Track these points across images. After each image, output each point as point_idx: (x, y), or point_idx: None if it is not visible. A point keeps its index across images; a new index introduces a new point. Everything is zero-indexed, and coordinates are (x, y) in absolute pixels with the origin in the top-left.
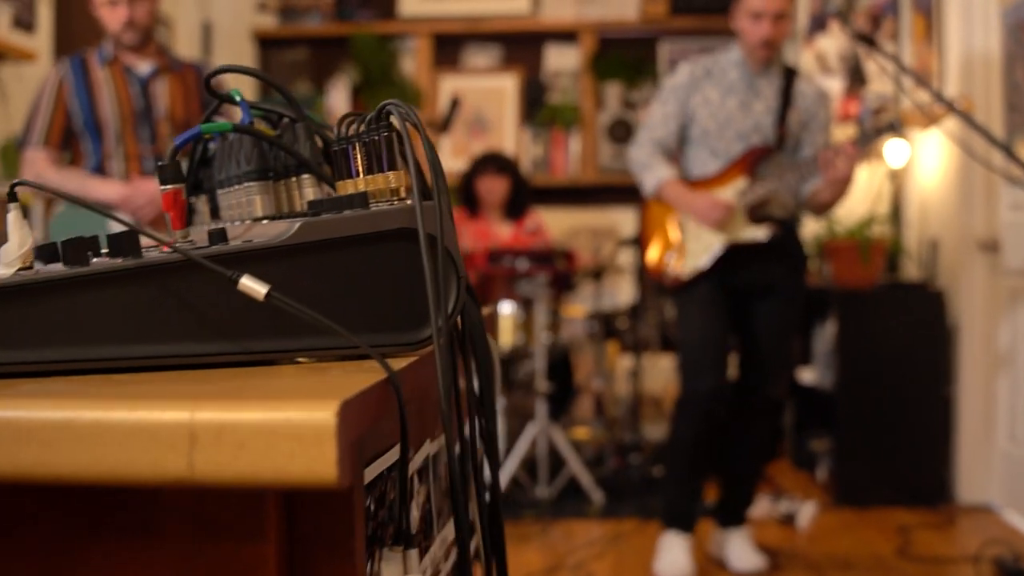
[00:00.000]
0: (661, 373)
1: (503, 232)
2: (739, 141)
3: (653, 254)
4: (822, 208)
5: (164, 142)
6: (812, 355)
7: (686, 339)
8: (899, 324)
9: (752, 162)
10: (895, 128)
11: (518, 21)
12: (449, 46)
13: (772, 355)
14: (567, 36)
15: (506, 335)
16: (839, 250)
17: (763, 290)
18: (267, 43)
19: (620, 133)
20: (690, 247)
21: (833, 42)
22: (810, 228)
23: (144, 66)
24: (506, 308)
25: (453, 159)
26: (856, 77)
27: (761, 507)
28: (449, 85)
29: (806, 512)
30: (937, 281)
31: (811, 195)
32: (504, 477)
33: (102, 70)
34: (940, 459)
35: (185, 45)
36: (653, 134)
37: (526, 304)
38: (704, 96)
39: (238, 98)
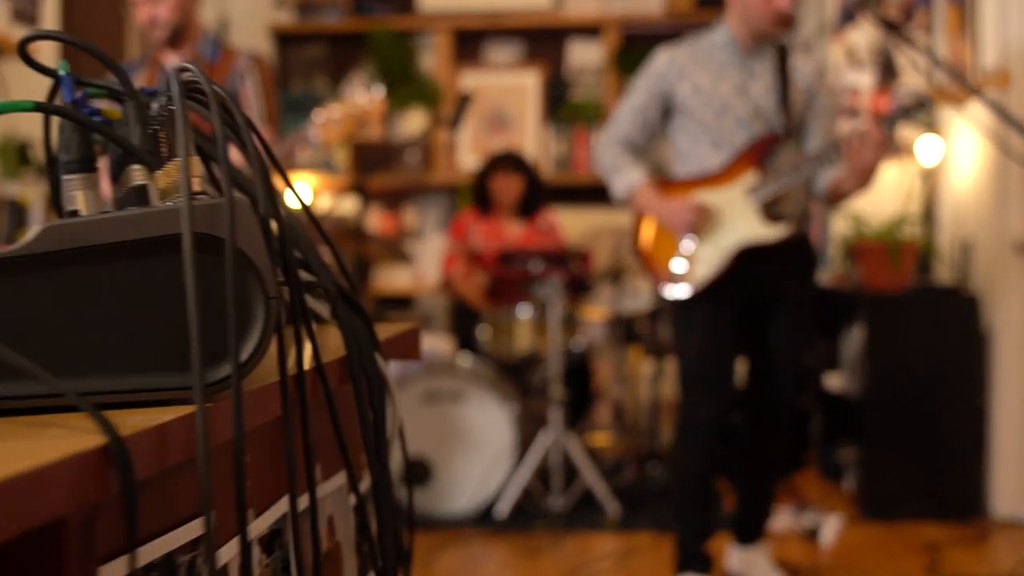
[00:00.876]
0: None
1: (515, 231)
2: (741, 129)
3: (657, 262)
4: (840, 199)
5: None
6: (839, 361)
7: (688, 357)
8: (930, 330)
9: (761, 153)
10: (924, 106)
11: (540, 16)
12: (469, 42)
13: (787, 369)
14: (590, 31)
15: (522, 339)
16: (868, 252)
17: (775, 298)
18: (284, 39)
19: None
20: (700, 253)
21: (863, 35)
22: (838, 228)
23: (175, 62)
24: (522, 311)
25: (472, 156)
26: (887, 71)
27: (783, 520)
28: (469, 81)
29: (830, 526)
30: (971, 285)
31: (831, 186)
32: (516, 487)
33: (140, 71)
34: (973, 471)
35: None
36: (619, 131)
37: (541, 307)
38: (693, 84)
39: (63, 72)
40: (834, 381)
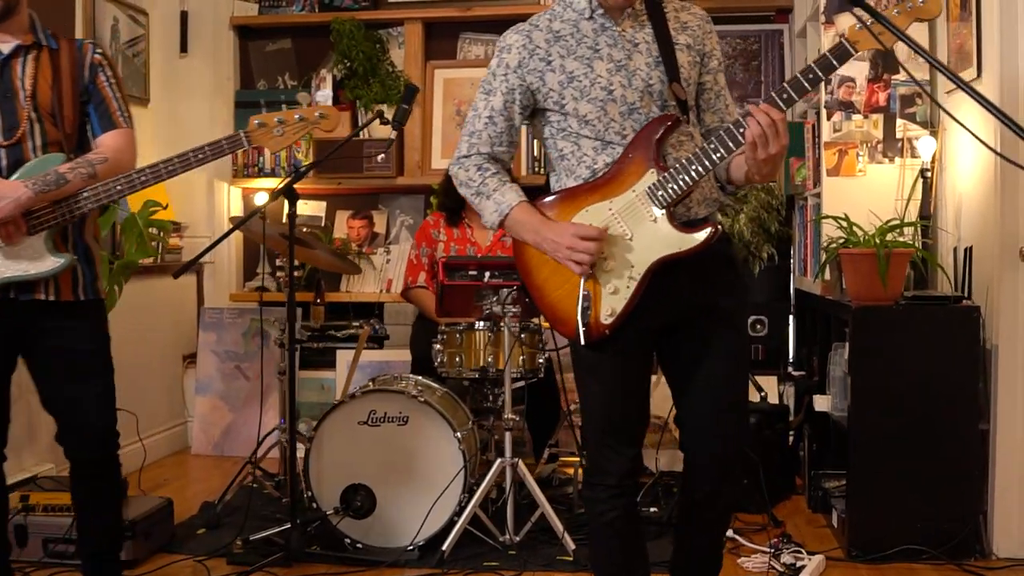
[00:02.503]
0: (663, 394)
1: (484, 239)
2: (630, 117)
3: (550, 301)
4: (741, 188)
5: (25, 130)
6: (828, 380)
7: (590, 406)
8: (925, 346)
9: (658, 143)
10: (845, 54)
11: (517, 6)
12: (442, 36)
13: (727, 408)
14: None
15: (478, 356)
16: (855, 259)
17: (698, 320)
18: (248, 33)
19: None
20: (602, 282)
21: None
22: (826, 232)
23: (3, 45)
24: (478, 326)
25: (446, 157)
26: (885, 62)
27: (758, 560)
28: (443, 77)
29: (810, 570)
30: (971, 296)
31: (735, 173)
32: (464, 520)
33: None
34: (973, 506)
35: (161, 36)
36: (478, 140)
37: (496, 321)
38: (563, 72)
39: None
40: (822, 400)
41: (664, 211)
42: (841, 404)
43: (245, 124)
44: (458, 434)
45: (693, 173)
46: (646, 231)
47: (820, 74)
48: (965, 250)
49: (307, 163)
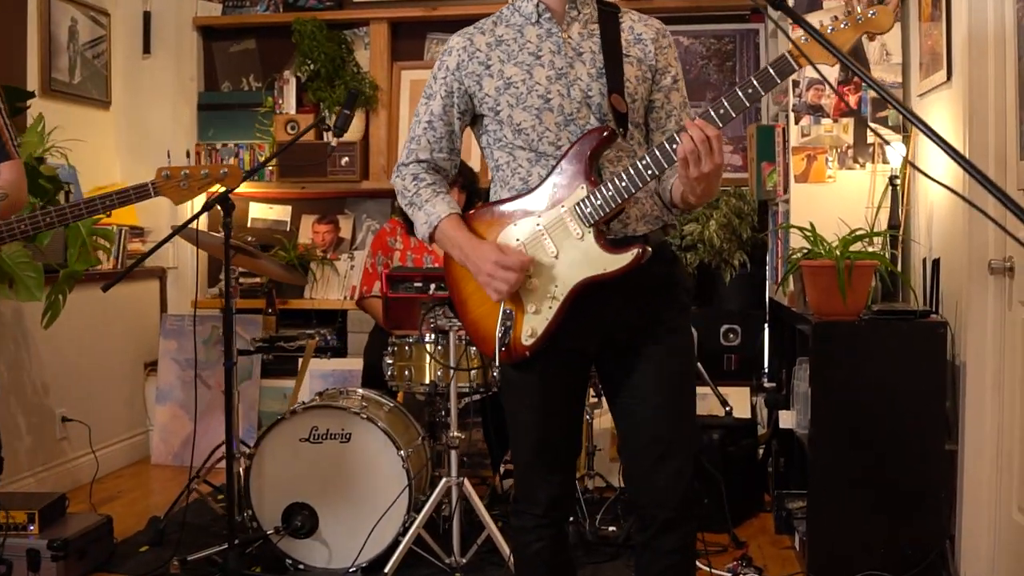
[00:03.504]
0: None
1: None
2: (566, 128)
3: (473, 320)
4: (687, 208)
5: None
6: (791, 395)
7: (516, 429)
8: (890, 363)
9: (590, 157)
10: (785, 70)
11: (484, 6)
12: (408, 36)
13: (664, 434)
14: None
15: (429, 370)
16: (815, 272)
17: (632, 345)
18: (211, 34)
19: None
20: (525, 303)
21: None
22: (793, 240)
23: None
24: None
25: None
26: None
27: None
28: (409, 78)
29: None
30: (939, 310)
31: (675, 193)
32: (408, 540)
33: None
34: (939, 529)
35: (124, 35)
36: (417, 147)
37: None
38: (501, 77)
39: None
40: (787, 416)
41: (591, 229)
42: (805, 421)
43: (209, 127)
44: (402, 452)
45: (623, 191)
46: (572, 250)
47: (760, 89)
48: (933, 262)
49: (271, 167)
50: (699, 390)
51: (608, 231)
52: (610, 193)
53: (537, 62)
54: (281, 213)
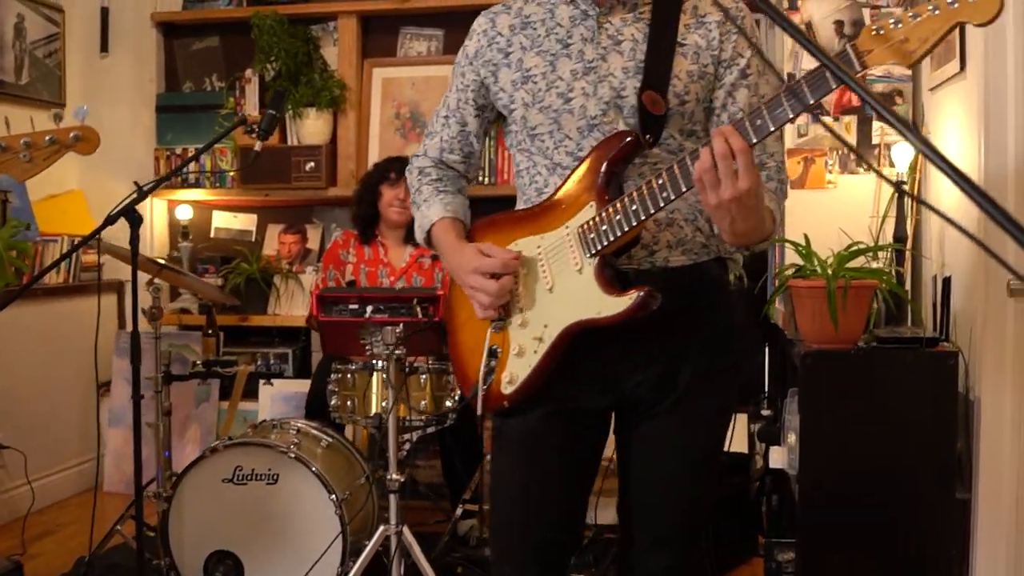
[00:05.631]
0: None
1: (398, 260)
2: (590, 135)
3: (468, 357)
4: (740, 245)
5: None
6: (783, 431)
7: (496, 499)
8: (892, 399)
9: (608, 171)
10: (854, 68)
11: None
12: (380, 31)
13: (668, 520)
14: None
15: (373, 401)
16: (805, 293)
17: (656, 404)
18: (172, 30)
19: None
20: (512, 338)
21: (828, 5)
22: (789, 255)
23: None
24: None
25: None
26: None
27: None
28: (381, 77)
29: None
30: (950, 337)
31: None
32: None
33: None
34: None
35: (80, 33)
36: (429, 143)
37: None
38: (519, 68)
39: None
40: (777, 455)
41: (594, 259)
42: (796, 461)
43: (167, 130)
44: (334, 496)
45: (632, 216)
46: (568, 282)
47: (809, 95)
48: (943, 281)
49: (231, 171)
50: None
51: (627, 260)
52: (617, 217)
53: (564, 52)
54: (246, 222)
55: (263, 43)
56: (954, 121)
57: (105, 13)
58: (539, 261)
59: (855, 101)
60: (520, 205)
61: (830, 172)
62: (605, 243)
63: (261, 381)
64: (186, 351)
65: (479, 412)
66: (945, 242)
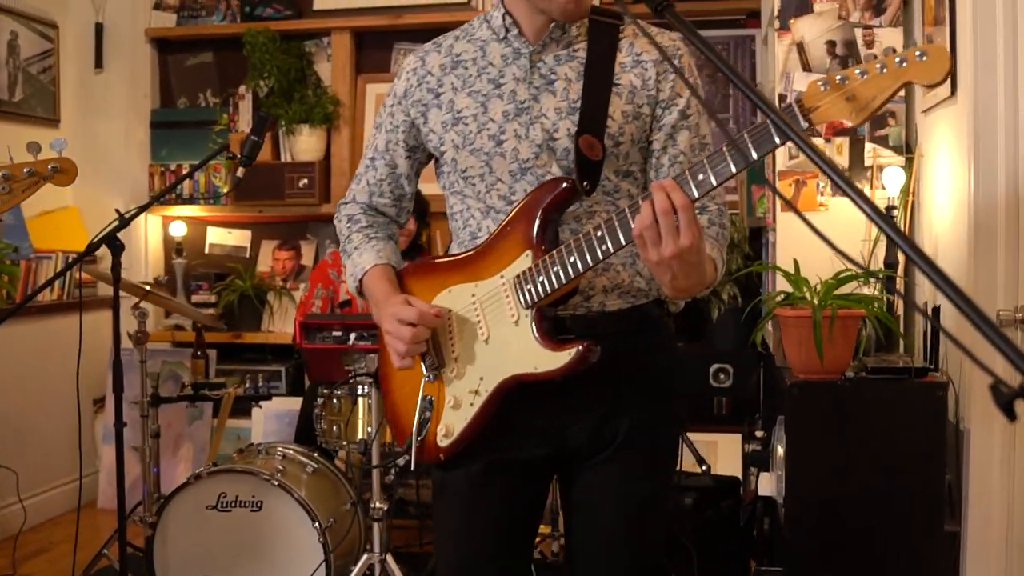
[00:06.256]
0: None
1: None
2: (522, 178)
3: (401, 405)
4: (681, 298)
5: None
6: (772, 457)
7: (439, 551)
8: (879, 430)
9: (542, 215)
10: (799, 125)
11: (452, 14)
12: (374, 46)
13: (614, 565)
14: None
15: (359, 427)
16: (791, 323)
17: (596, 454)
18: (166, 46)
19: None
20: (447, 391)
21: (820, 25)
22: (780, 281)
23: None
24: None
25: None
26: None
27: None
28: (375, 92)
29: None
30: (940, 367)
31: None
32: None
33: None
34: None
35: (74, 49)
36: (357, 186)
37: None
38: (450, 109)
39: None
40: (767, 482)
41: (530, 311)
42: (783, 489)
43: (162, 146)
44: (318, 523)
45: (571, 269)
46: (504, 334)
47: (752, 150)
48: (933, 310)
49: (225, 189)
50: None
51: (563, 305)
52: (555, 269)
53: (496, 92)
54: (240, 238)
55: (255, 60)
56: (945, 145)
57: (99, 29)
58: (474, 310)
59: (847, 122)
60: (454, 249)
61: (822, 195)
62: (542, 295)
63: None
64: (179, 368)
65: (412, 467)
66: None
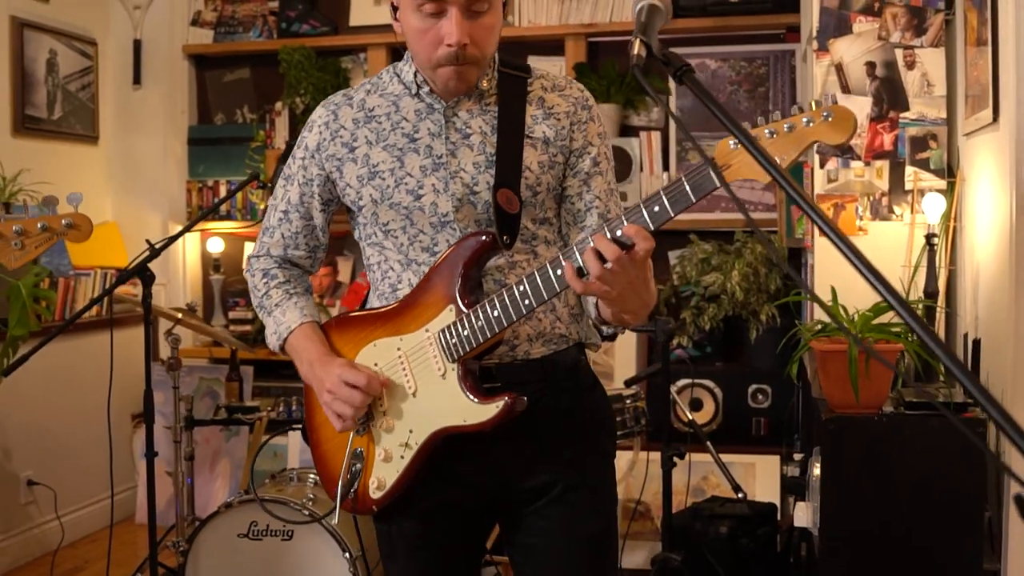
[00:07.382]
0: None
1: None
2: (442, 231)
3: (329, 459)
4: (619, 325)
5: None
6: (807, 487)
7: None
8: (917, 467)
9: (463, 269)
10: (704, 185)
11: None
12: None
13: None
14: (552, 44)
15: None
16: (827, 357)
17: (535, 499)
18: (204, 62)
19: (617, 166)
20: (379, 443)
21: (860, 46)
22: (818, 312)
23: None
24: None
25: None
26: (892, 96)
27: None
28: None
29: None
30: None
31: (600, 309)
32: None
33: None
34: None
35: (113, 66)
36: (270, 240)
37: None
38: (366, 164)
39: None
40: (802, 512)
41: (456, 365)
42: (818, 521)
43: (199, 163)
44: (348, 553)
45: (495, 323)
46: (432, 388)
47: (669, 208)
48: (973, 343)
49: (262, 206)
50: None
51: (489, 356)
52: (479, 324)
53: (412, 146)
54: None
55: (292, 77)
56: (987, 171)
57: (138, 45)
58: (400, 364)
59: (887, 145)
60: (374, 301)
61: (861, 219)
62: (467, 349)
63: None
64: (216, 385)
65: (335, 520)
66: (979, 299)
